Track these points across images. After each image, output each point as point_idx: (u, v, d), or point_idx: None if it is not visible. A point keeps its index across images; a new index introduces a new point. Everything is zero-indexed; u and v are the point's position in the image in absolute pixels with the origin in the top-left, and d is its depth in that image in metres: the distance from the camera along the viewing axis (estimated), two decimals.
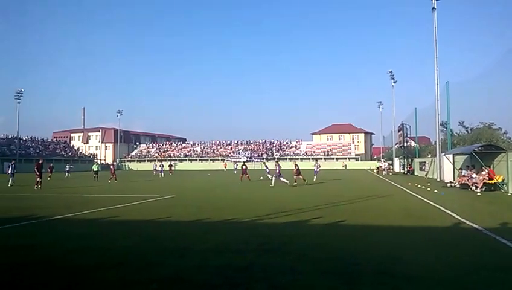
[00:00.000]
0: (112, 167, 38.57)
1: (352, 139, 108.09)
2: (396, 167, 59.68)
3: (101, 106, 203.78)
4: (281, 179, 26.45)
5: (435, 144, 35.19)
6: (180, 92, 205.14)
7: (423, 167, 41.26)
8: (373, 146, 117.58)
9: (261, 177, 35.91)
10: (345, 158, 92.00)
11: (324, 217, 11.36)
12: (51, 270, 6.11)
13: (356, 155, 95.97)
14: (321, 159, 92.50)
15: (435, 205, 14.57)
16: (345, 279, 5.47)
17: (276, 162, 28.67)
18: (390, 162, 62.03)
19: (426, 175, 38.10)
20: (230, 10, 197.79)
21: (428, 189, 22.32)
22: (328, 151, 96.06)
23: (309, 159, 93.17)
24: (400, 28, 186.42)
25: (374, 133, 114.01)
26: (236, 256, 6.83)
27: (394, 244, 7.88)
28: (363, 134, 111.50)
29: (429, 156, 41.83)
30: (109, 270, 6.07)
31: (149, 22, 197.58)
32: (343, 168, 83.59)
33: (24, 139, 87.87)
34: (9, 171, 29.54)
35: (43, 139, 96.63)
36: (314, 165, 33.61)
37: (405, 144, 49.34)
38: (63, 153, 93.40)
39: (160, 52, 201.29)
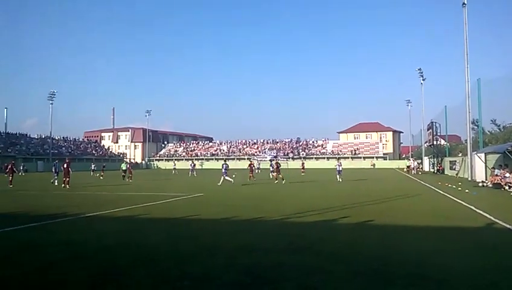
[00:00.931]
0: (129, 166, 38.67)
1: (380, 137, 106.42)
2: (426, 166, 58.46)
3: (130, 106, 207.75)
4: (226, 177, 27.33)
5: (466, 142, 34.26)
6: (206, 91, 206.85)
7: (454, 166, 40.30)
8: (401, 145, 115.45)
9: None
10: (373, 157, 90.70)
11: (352, 217, 11.28)
12: (86, 267, 6.30)
13: (384, 154, 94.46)
14: (348, 158, 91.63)
15: (467, 205, 14.23)
16: (376, 280, 5.43)
17: (225, 161, 29.95)
18: (419, 161, 60.83)
19: (457, 174, 37.20)
20: (254, 6, 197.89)
21: (459, 188, 21.80)
22: (355, 150, 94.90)
23: (335, 158, 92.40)
24: (428, 25, 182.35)
25: (402, 132, 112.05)
26: (265, 255, 6.88)
27: (424, 245, 7.76)
28: (391, 132, 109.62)
29: (460, 155, 40.79)
30: (141, 267, 6.22)
31: (171, 21, 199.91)
32: (372, 167, 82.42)
33: (57, 139, 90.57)
34: (53, 170, 30.38)
35: (74, 138, 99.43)
36: (336, 165, 32.75)
37: (435, 143, 48.29)
38: (94, 152, 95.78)
39: (187, 53, 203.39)
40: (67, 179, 26.79)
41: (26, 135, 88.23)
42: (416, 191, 21.42)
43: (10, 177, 28.32)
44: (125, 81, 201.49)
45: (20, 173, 49.85)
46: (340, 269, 5.95)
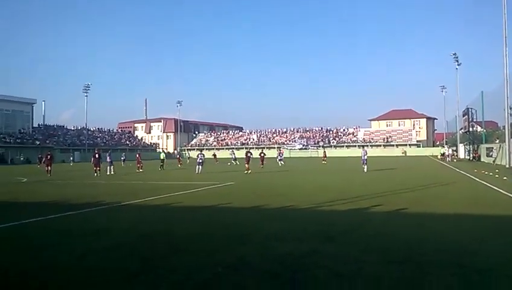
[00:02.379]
0: (138, 156, 36.85)
1: (413, 124, 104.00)
2: (461, 153, 56.83)
3: (162, 97, 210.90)
4: (200, 167, 29.15)
5: (504, 128, 33.03)
6: (236, 81, 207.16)
7: (490, 153, 39.01)
8: (436, 132, 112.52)
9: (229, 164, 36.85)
10: (406, 145, 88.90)
11: (385, 205, 11.11)
12: (123, 255, 6.49)
13: (418, 141, 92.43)
14: (380, 146, 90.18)
15: (505, 192, 13.77)
16: (412, 269, 5.35)
17: (201, 152, 32.28)
18: (454, 148, 59.20)
19: (494, 161, 36.00)
20: None
21: (497, 176, 21.09)
22: (387, 138, 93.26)
23: (367, 146, 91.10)
24: (463, 8, 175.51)
25: (436, 119, 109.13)
26: (297, 243, 6.88)
27: (461, 233, 7.57)
28: (424, 119, 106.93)
29: (497, 142, 39.41)
30: (176, 255, 6.35)
31: (202, 10, 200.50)
32: (403, 154, 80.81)
33: (92, 130, 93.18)
34: (108, 160, 31.41)
35: (109, 129, 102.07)
36: (362, 153, 29.76)
37: (471, 129, 46.82)
38: (128, 142, 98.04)
39: (216, 43, 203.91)
40: (98, 168, 27.75)
41: (63, 126, 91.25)
42: (452, 178, 20.88)
43: (49, 168, 29.39)
44: (157, 72, 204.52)
45: (70, 164, 51.31)
46: (374, 257, 5.88)
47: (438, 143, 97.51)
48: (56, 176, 28.24)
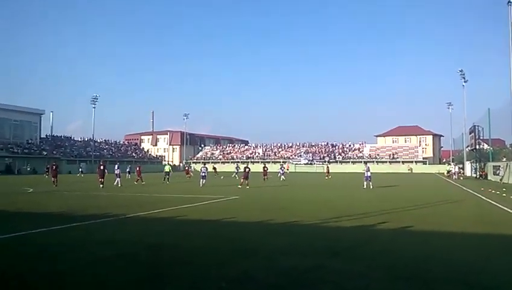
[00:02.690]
0: (137, 168, 36.49)
1: (420, 141, 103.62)
2: (468, 171, 56.45)
3: (168, 109, 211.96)
4: (203, 180, 29.66)
5: (511, 147, 32.87)
6: (241, 95, 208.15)
7: (497, 172, 38.72)
8: (442, 149, 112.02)
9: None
10: (412, 161, 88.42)
11: (391, 222, 11.06)
12: (129, 265, 6.52)
13: (424, 158, 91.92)
14: (386, 162, 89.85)
15: None
16: (418, 286, 5.33)
17: (204, 165, 33.54)
18: (460, 165, 58.83)
19: (501, 180, 35.71)
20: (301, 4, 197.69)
21: (504, 194, 20.91)
22: (393, 154, 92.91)
23: (373, 162, 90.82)
24: (470, 24, 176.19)
25: (443, 136, 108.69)
26: (303, 258, 6.87)
27: (467, 251, 7.53)
28: (431, 136, 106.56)
29: (504, 160, 39.17)
30: (181, 267, 6.36)
31: (205, 25, 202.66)
32: (409, 171, 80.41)
33: (99, 141, 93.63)
34: (116, 172, 31.66)
35: (115, 141, 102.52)
36: (364, 170, 28.98)
37: (477, 147, 46.60)
38: (134, 154, 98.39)
39: (222, 57, 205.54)
40: (102, 179, 28.07)
41: (70, 137, 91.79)
42: (458, 196, 20.74)
43: (54, 178, 29.57)
44: (164, 85, 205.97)
45: (78, 175, 51.20)
46: (380, 274, 5.86)
47: (444, 160, 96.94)
48: (63, 186, 28.35)
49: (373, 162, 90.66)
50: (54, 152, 76.22)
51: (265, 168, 40.59)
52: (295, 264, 6.41)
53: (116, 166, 33.17)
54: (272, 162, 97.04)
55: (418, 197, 19.89)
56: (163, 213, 13.41)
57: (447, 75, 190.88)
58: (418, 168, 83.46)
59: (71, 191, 24.67)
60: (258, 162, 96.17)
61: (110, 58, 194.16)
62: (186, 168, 39.10)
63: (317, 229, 10.25)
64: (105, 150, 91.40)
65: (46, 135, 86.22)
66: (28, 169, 67.33)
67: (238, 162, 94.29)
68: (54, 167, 31.11)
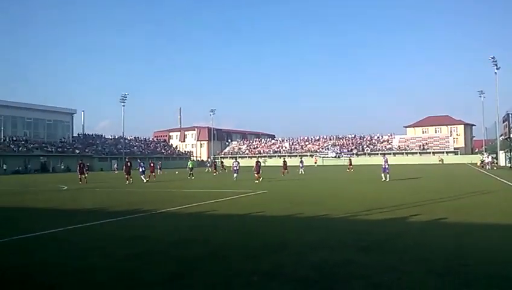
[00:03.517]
0: (151, 164, 36.97)
1: (451, 131, 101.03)
2: (502, 161, 54.68)
3: (195, 105, 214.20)
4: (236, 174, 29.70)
5: None
6: (268, 89, 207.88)
7: None
8: (474, 138, 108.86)
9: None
10: (443, 152, 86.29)
11: (423, 215, 10.84)
12: (161, 260, 6.63)
13: (455, 149, 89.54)
14: (416, 153, 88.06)
15: None
16: (454, 280, 5.20)
17: (235, 159, 33.69)
18: (494, 155, 57.01)
19: None
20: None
21: None
22: (423, 145, 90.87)
23: (402, 153, 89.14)
24: (502, 9, 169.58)
25: (474, 125, 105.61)
26: (333, 252, 6.82)
27: (504, 244, 7.30)
28: (462, 126, 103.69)
29: None
30: (212, 262, 6.43)
31: (233, 19, 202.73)
32: (440, 162, 78.56)
33: (129, 139, 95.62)
34: (141, 169, 32.43)
35: (145, 138, 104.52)
36: (383, 161, 27.76)
37: (511, 136, 45.01)
38: (163, 151, 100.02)
39: (248, 51, 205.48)
40: (130, 176, 29.36)
41: (101, 135, 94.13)
42: (492, 187, 20.13)
43: (82, 175, 30.68)
44: (191, 81, 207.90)
45: (115, 171, 51.39)
46: (413, 267, 5.75)
47: (476, 150, 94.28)
48: (95, 183, 29.13)
49: (402, 153, 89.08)
50: (86, 150, 78.28)
51: (285, 162, 40.87)
52: (325, 258, 6.37)
53: (139, 162, 34.20)
54: (299, 155, 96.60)
55: (450, 189, 19.42)
56: (192, 208, 13.58)
57: (478, 62, 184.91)
58: (450, 159, 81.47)
59: (104, 188, 25.31)
60: (285, 155, 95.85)
61: (138, 56, 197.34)
62: (214, 163, 39.27)
63: (347, 222, 10.14)
64: (135, 147, 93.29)
65: (78, 134, 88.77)
66: (62, 167, 69.45)
67: (266, 156, 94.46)
68: (81, 165, 32.20)
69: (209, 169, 51.69)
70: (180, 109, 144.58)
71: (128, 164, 30.89)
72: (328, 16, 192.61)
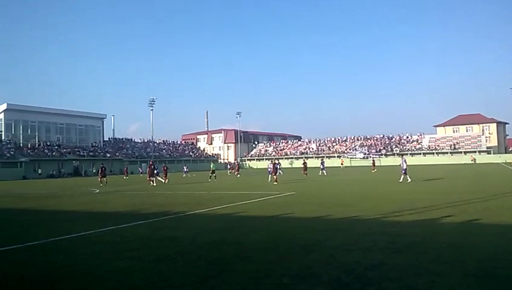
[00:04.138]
0: (164, 168, 37.36)
1: (482, 130, 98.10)
2: None
3: (222, 108, 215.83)
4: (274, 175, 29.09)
5: None
6: (294, 90, 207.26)
7: None
8: (507, 137, 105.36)
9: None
10: (475, 151, 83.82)
11: (456, 216, 10.58)
12: (191, 262, 6.71)
13: (488, 148, 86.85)
14: (447, 153, 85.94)
15: None
16: (490, 283, 5.06)
17: (273, 161, 33.28)
18: None
19: None
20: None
21: None
22: (454, 145, 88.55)
23: (433, 153, 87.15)
24: None
25: (508, 123, 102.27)
26: (365, 254, 6.74)
27: None
28: (494, 124, 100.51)
29: None
30: (242, 263, 6.47)
31: (263, 22, 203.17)
32: (472, 162, 76.36)
33: (157, 142, 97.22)
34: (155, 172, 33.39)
35: (173, 141, 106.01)
36: (401, 162, 27.06)
37: None
38: (191, 153, 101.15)
39: (272, 54, 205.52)
40: (152, 178, 30.35)
41: (131, 139, 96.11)
42: None
43: (104, 179, 32.13)
44: (217, 85, 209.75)
45: (184, 175, 50.37)
46: (447, 270, 5.63)
47: (510, 149, 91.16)
48: (126, 186, 29.75)
49: (433, 153, 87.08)
50: (117, 154, 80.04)
51: (305, 164, 40.01)
52: (357, 260, 6.31)
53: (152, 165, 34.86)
54: (327, 156, 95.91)
55: (483, 189, 18.85)
56: (221, 210, 13.70)
57: (510, 59, 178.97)
58: (482, 158, 79.11)
59: (134, 191, 25.80)
60: (312, 157, 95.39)
61: (165, 61, 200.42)
62: (237, 166, 39.24)
63: (379, 224, 10.01)
64: (164, 150, 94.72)
65: (109, 138, 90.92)
66: (94, 171, 71.16)
67: (292, 157, 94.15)
68: (103, 168, 33.24)
69: (229, 172, 52.22)
70: (207, 112, 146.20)
71: (152, 167, 31.93)
72: (354, 14, 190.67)
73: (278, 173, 30.10)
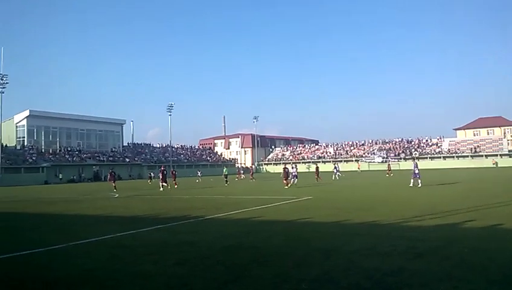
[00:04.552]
0: (173, 172, 38.14)
1: (504, 133, 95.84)
2: None
3: (239, 113, 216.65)
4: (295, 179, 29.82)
5: None
6: (309, 94, 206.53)
7: None
8: None
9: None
10: (496, 155, 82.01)
11: (478, 221, 10.36)
12: (210, 266, 6.73)
13: (510, 151, 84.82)
14: (467, 156, 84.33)
15: None
16: None
17: (294, 165, 33.80)
18: None
19: None
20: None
21: None
22: (475, 148, 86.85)
23: (453, 157, 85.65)
24: None
25: None
26: (385, 259, 6.64)
27: None
28: None
29: None
30: (260, 268, 6.45)
31: (277, 28, 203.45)
32: (494, 166, 74.75)
33: (176, 147, 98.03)
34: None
35: (191, 146, 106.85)
36: (413, 166, 26.30)
37: None
38: (208, 158, 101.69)
39: (290, 58, 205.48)
40: (164, 183, 30.95)
41: (150, 144, 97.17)
42: None
43: (113, 183, 32.69)
44: (233, 89, 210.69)
45: (197, 180, 50.40)
46: (470, 276, 5.51)
47: None
48: (144, 191, 30.08)
49: (453, 157, 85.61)
50: (136, 159, 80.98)
51: (317, 168, 39.90)
52: (377, 266, 6.22)
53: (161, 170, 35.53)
54: (344, 161, 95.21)
55: (506, 193, 18.42)
56: (239, 215, 13.71)
57: None
58: (504, 162, 77.32)
59: (152, 195, 26.04)
60: (330, 161, 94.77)
61: (183, 67, 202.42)
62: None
63: (398, 228, 9.86)
64: (182, 155, 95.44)
65: (128, 143, 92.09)
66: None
67: (309, 162, 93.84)
68: (113, 173, 33.83)
69: (239, 177, 52.35)
70: (224, 117, 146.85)
71: (165, 172, 32.53)
72: (377, 16, 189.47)
73: (290, 178, 30.09)
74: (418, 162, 27.76)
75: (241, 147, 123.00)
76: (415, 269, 5.98)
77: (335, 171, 42.17)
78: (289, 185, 28.11)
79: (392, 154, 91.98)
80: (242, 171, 55.77)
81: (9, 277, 6.59)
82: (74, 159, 71.67)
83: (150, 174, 52.64)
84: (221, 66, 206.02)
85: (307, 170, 69.74)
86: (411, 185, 24.77)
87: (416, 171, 25.36)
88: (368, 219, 11.43)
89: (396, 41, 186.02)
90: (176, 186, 33.90)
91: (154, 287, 5.65)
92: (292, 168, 32.18)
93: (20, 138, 71.55)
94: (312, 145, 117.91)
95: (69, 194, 31.34)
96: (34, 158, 66.45)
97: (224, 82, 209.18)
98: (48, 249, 8.65)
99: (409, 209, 13.28)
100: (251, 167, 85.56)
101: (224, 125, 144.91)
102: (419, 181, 24.86)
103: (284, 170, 30.04)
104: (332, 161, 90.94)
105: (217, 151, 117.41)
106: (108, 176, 34.67)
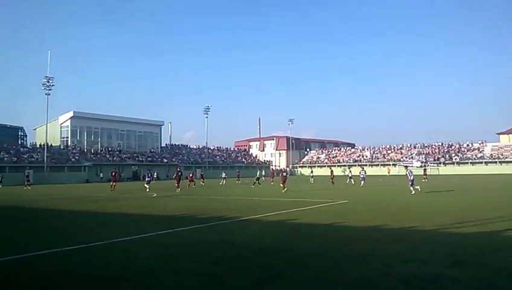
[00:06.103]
0: (191, 174, 39.33)
1: None
2: None
3: (274, 115, 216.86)
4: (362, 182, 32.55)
5: None
6: (347, 97, 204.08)
7: None
8: None
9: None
10: None
11: None
12: (254, 266, 6.86)
13: None
14: (511, 162, 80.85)
15: None
16: None
17: (363, 168, 36.88)
18: None
19: None
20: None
21: None
22: None
23: (495, 162, 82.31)
24: None
25: None
26: (422, 266, 6.57)
27: None
28: None
29: None
30: (296, 270, 6.51)
31: (313, 29, 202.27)
32: None
33: (212, 148, 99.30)
34: (146, 179, 36.36)
35: (226, 148, 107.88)
36: (407, 172, 25.76)
37: None
38: (243, 160, 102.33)
39: (324, 61, 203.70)
40: (178, 184, 31.69)
41: (187, 145, 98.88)
42: None
43: (114, 184, 33.91)
44: (270, 91, 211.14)
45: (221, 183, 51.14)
46: (510, 286, 5.39)
47: None
48: (181, 191, 30.66)
49: (496, 162, 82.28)
50: (173, 159, 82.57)
51: (332, 172, 41.91)
52: (414, 272, 6.17)
53: (151, 173, 37.56)
54: (381, 164, 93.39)
55: None
56: (275, 216, 13.81)
57: None
58: None
59: (188, 195, 26.54)
60: (366, 165, 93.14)
61: (219, 70, 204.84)
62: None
63: (437, 235, 9.68)
64: (217, 157, 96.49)
65: (166, 144, 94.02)
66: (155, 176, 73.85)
67: (346, 165, 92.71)
68: (114, 173, 34.58)
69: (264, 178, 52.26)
70: (259, 119, 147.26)
71: (180, 173, 33.07)
72: (422, 15, 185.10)
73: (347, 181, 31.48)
74: (412, 170, 26.74)
75: (276, 150, 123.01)
76: (453, 276, 5.90)
77: (349, 175, 41.68)
78: (284, 188, 28.21)
79: (431, 159, 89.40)
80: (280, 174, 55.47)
81: (51, 271, 6.91)
82: (114, 158, 73.88)
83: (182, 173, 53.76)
84: (257, 68, 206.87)
85: (342, 174, 68.77)
86: (413, 192, 23.45)
87: (411, 178, 24.43)
88: (406, 224, 11.28)
89: (441, 43, 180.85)
90: (192, 186, 35.95)
91: (191, 285, 5.83)
92: (362, 171, 36.60)
93: (64, 138, 74.55)
94: (348, 148, 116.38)
95: (110, 193, 32.34)
96: (76, 157, 69.05)
97: (261, 84, 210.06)
98: (89, 246, 8.97)
99: (447, 215, 12.98)
100: (279, 168, 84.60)
101: (260, 128, 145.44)
102: (412, 188, 23.88)
103: (282, 174, 30.84)
104: (374, 165, 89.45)
105: (251, 153, 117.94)
106: (111, 176, 35.55)
